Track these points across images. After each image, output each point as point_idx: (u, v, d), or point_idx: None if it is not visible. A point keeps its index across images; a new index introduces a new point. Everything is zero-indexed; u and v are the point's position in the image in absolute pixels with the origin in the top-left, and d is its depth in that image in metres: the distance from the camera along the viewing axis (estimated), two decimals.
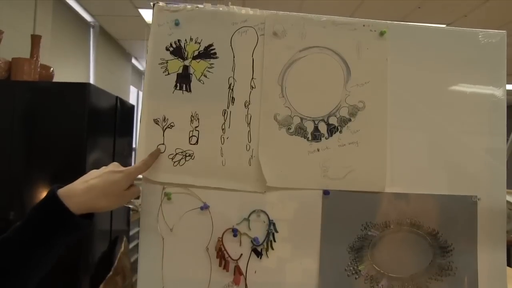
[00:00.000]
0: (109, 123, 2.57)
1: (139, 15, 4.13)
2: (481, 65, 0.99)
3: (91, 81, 4.37)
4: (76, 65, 4.09)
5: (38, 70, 2.50)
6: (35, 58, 2.51)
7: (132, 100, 6.21)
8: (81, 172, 0.79)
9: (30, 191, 2.19)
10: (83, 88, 2.23)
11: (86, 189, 0.77)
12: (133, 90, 6.35)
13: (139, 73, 6.71)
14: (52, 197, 0.74)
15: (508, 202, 1.71)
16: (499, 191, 0.98)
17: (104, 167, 0.83)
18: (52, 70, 2.65)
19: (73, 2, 3.83)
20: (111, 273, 2.39)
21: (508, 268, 1.72)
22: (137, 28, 4.50)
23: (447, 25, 4.13)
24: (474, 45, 0.99)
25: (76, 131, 2.20)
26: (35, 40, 2.57)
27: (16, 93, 2.23)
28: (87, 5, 3.99)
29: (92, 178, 0.79)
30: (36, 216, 0.73)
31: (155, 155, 0.90)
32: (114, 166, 0.83)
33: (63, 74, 3.43)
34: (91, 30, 4.43)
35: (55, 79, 2.68)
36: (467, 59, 0.99)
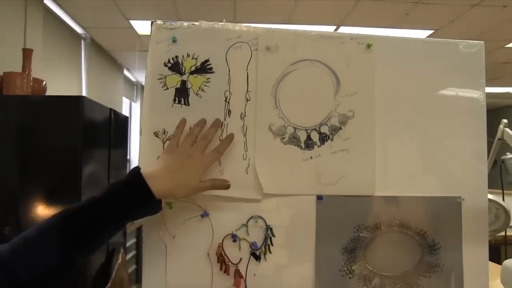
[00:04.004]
0: (103, 136, 2.57)
1: (131, 27, 4.15)
2: (462, 73, 1.05)
3: (84, 93, 4.38)
4: (68, 78, 4.11)
5: (31, 84, 2.49)
6: (27, 72, 2.50)
7: (125, 112, 6.21)
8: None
9: (25, 206, 2.16)
10: (76, 101, 2.22)
11: (168, 175, 0.82)
12: (125, 101, 6.35)
13: (131, 84, 6.71)
14: (137, 177, 0.78)
15: (496, 202, 1.76)
16: (481, 191, 1.04)
17: (176, 149, 0.87)
18: (45, 84, 2.63)
19: (63, 14, 3.84)
20: (109, 284, 2.39)
21: (495, 264, 1.78)
22: (129, 40, 4.52)
23: (435, 31, 4.23)
24: (455, 54, 1.05)
25: (71, 144, 2.18)
26: (27, 53, 2.56)
27: (9, 107, 2.21)
28: (78, 17, 4.00)
29: (174, 167, 0.83)
30: (119, 193, 0.77)
31: (229, 140, 0.92)
32: (177, 150, 0.87)
33: (55, 87, 3.43)
34: (83, 42, 4.45)
35: (48, 92, 2.68)
36: (449, 67, 1.04)
